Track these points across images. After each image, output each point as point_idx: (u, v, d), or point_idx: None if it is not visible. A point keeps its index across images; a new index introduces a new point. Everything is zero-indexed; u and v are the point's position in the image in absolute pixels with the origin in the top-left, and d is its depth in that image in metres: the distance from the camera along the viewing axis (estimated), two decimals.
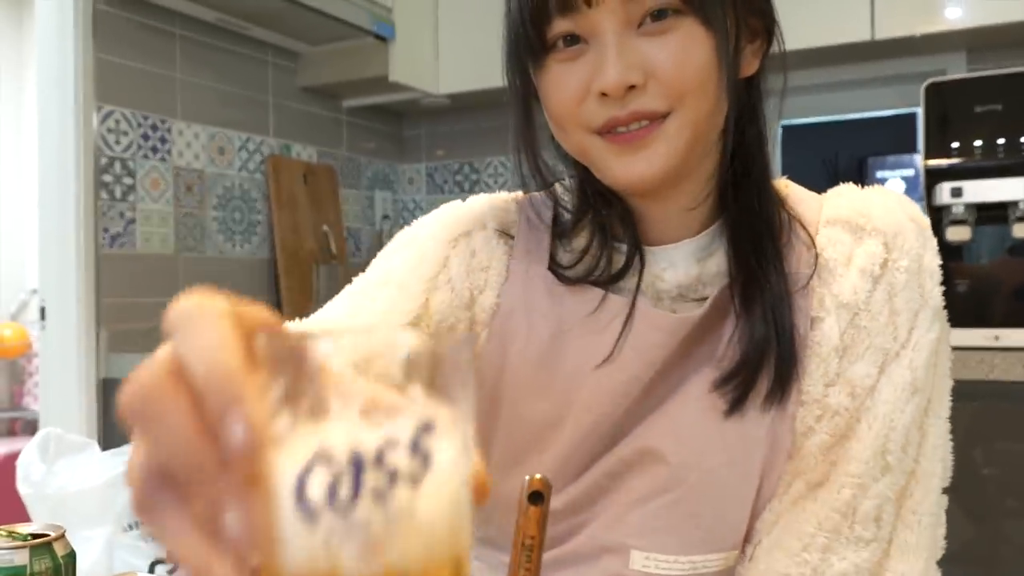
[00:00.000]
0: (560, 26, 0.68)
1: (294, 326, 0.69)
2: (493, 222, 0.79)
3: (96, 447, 1.97)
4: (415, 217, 0.81)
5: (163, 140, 2.39)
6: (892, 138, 2.60)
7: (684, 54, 0.65)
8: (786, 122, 2.75)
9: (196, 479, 0.30)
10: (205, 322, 0.31)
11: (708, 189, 0.73)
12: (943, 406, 0.72)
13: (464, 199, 0.83)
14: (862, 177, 2.52)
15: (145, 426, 0.31)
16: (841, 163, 2.61)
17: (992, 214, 1.90)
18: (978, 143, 1.90)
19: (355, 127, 3.05)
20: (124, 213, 2.29)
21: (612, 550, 0.73)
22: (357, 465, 0.28)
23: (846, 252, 0.71)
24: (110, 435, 2.22)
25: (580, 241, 0.76)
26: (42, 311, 2.26)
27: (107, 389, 2.26)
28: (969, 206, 1.90)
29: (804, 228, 0.73)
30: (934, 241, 0.73)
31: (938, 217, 1.95)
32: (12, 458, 2.23)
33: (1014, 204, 1.86)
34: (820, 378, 0.70)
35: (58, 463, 1.85)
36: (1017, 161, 1.86)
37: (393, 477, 0.29)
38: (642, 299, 0.73)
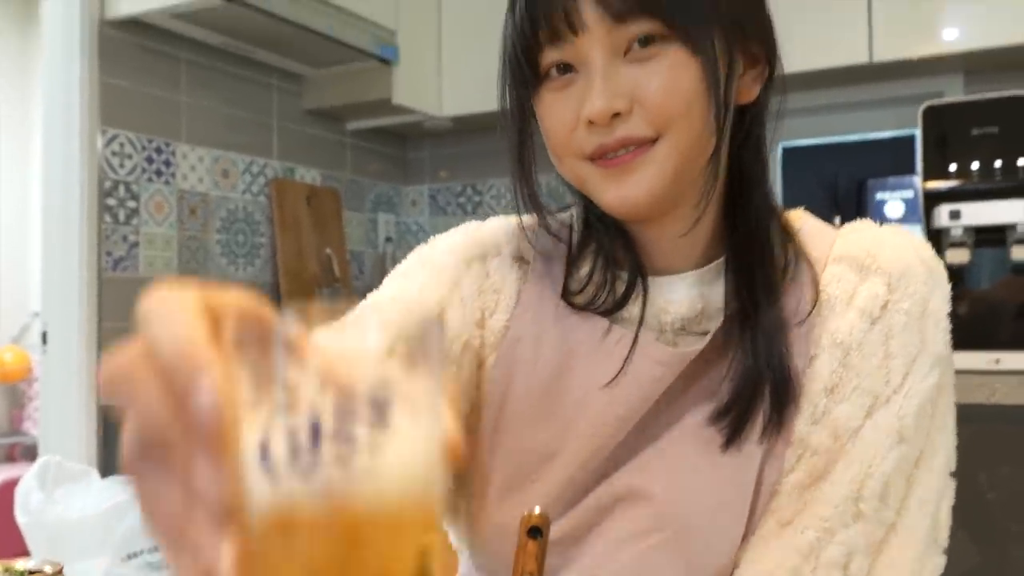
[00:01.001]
0: (550, 56, 0.68)
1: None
2: (509, 247, 0.79)
3: (95, 475, 1.96)
4: (418, 240, 0.81)
5: (167, 163, 2.41)
6: (892, 160, 2.61)
7: (670, 80, 0.65)
8: (786, 143, 2.76)
9: (169, 447, 0.33)
10: (172, 308, 0.35)
11: (698, 214, 0.72)
12: (938, 460, 0.68)
13: (468, 221, 0.83)
14: (862, 199, 2.53)
15: (122, 403, 0.34)
16: (841, 185, 2.62)
17: (991, 236, 1.91)
18: (975, 165, 1.91)
19: (359, 149, 3.07)
20: (127, 236, 2.30)
21: None
22: (315, 428, 0.31)
23: (849, 290, 0.70)
24: (110, 462, 2.22)
25: (585, 268, 0.76)
26: (43, 336, 2.26)
27: (107, 415, 2.26)
28: (968, 228, 1.91)
29: (811, 265, 0.72)
30: (946, 287, 0.70)
31: (937, 239, 1.96)
32: (11, 485, 2.22)
33: (1012, 227, 1.87)
34: (808, 417, 0.68)
35: (57, 492, 1.84)
36: (1014, 184, 1.87)
37: (351, 438, 0.31)
38: (645, 331, 0.72)
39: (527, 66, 0.70)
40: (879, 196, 2.51)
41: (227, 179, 2.58)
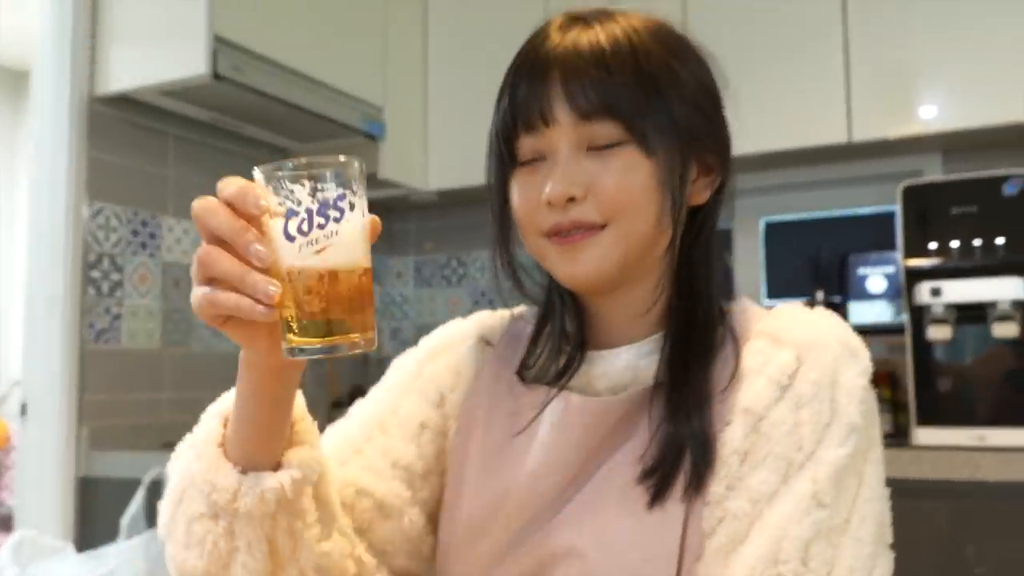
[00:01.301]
0: (526, 143, 0.79)
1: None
2: (477, 333, 0.92)
3: (71, 550, 1.93)
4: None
5: (152, 236, 2.41)
6: (873, 235, 2.65)
7: (622, 176, 0.75)
8: (769, 219, 2.80)
9: (234, 236, 0.60)
10: (231, 177, 0.63)
11: (654, 298, 0.81)
12: (867, 529, 0.70)
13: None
14: (844, 274, 2.55)
15: (205, 220, 0.61)
16: (823, 259, 2.65)
17: (972, 314, 1.92)
18: (955, 244, 1.94)
19: None
20: (110, 308, 2.29)
21: None
22: (309, 214, 0.61)
23: (762, 362, 0.75)
24: (86, 536, 2.17)
25: (541, 346, 0.86)
26: (23, 408, 2.23)
27: (86, 488, 2.22)
28: (949, 306, 1.92)
29: (736, 341, 0.78)
30: (863, 364, 0.75)
31: (919, 316, 1.98)
32: None
33: (992, 304, 1.88)
34: (723, 479, 0.72)
35: (31, 567, 1.81)
36: (994, 263, 1.89)
37: (327, 218, 0.61)
38: (579, 396, 0.81)
39: (506, 150, 0.80)
40: (861, 271, 2.53)
41: None
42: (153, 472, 2.03)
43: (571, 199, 0.75)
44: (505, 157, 0.80)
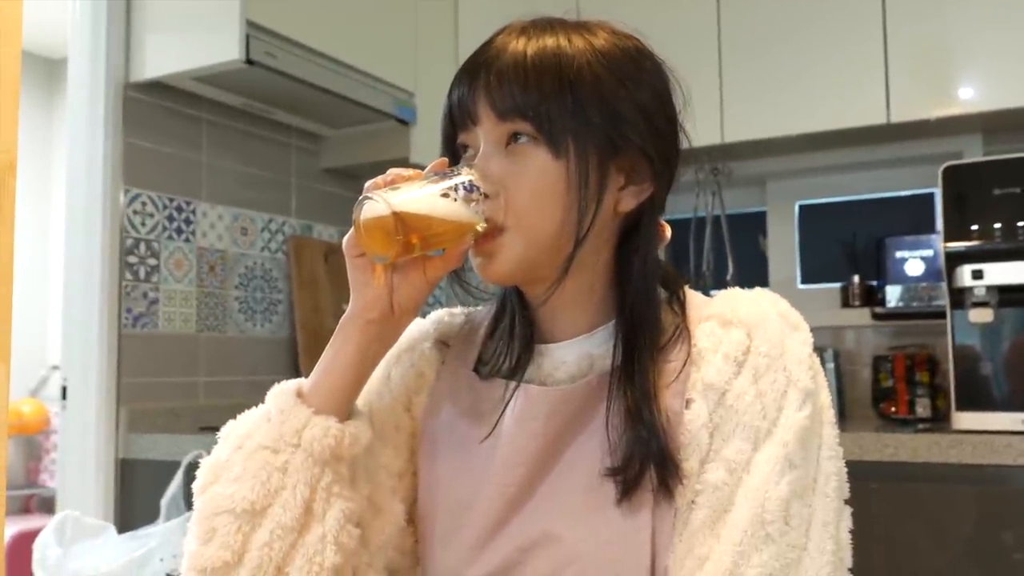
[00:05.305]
0: (461, 138, 0.84)
1: None
2: (435, 334, 0.95)
3: (112, 530, 1.96)
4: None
5: (188, 221, 2.43)
6: (910, 218, 2.61)
7: (528, 177, 0.79)
8: (804, 201, 2.76)
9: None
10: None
11: (591, 292, 0.84)
12: (832, 486, 0.77)
13: None
14: (881, 257, 2.52)
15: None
16: (859, 243, 2.61)
17: (1015, 296, 1.89)
18: (998, 225, 1.90)
19: None
20: (147, 293, 2.32)
21: None
22: (463, 186, 0.77)
23: (716, 341, 0.80)
24: (127, 516, 2.21)
25: (494, 343, 0.90)
26: (63, 391, 2.27)
27: (125, 470, 2.25)
28: (991, 288, 1.89)
29: (687, 327, 0.83)
30: (804, 334, 0.81)
31: (960, 299, 1.95)
32: (27, 536, 2.21)
33: None
34: (694, 453, 0.76)
35: (74, 547, 1.84)
36: None
37: (470, 190, 0.77)
38: (537, 386, 0.84)
39: (447, 145, 0.86)
40: (898, 254, 2.50)
41: (246, 236, 2.61)
42: (192, 454, 2.06)
43: (485, 195, 0.79)
44: (447, 154, 0.86)
